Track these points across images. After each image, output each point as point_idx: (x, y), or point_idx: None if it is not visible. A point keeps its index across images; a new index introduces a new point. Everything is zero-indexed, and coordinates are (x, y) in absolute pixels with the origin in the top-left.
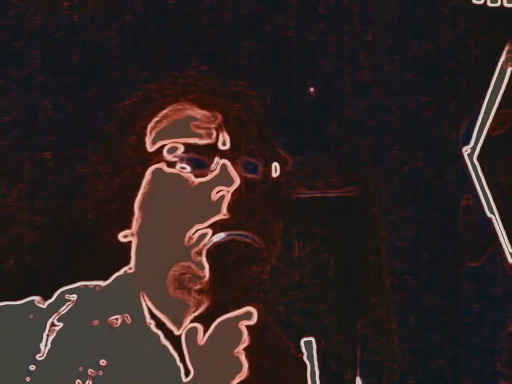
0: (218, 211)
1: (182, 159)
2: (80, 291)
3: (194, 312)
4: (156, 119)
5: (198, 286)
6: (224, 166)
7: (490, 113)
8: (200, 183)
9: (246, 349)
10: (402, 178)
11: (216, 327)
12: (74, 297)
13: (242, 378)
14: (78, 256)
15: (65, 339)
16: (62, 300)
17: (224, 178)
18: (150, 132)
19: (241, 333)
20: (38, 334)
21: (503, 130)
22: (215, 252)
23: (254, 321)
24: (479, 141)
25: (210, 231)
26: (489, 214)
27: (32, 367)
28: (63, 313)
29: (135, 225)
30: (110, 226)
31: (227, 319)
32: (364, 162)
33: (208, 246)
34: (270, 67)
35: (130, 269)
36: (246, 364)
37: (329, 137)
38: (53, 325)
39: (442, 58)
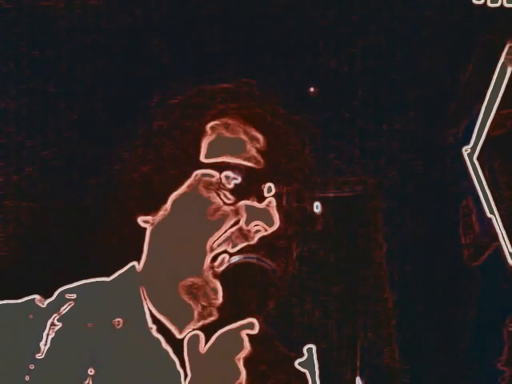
0: (250, 240)
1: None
2: (81, 290)
3: (197, 321)
4: (218, 122)
5: (205, 303)
6: (269, 204)
7: (489, 113)
8: (240, 209)
9: (245, 356)
10: (402, 178)
11: (218, 337)
12: (74, 296)
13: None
14: (81, 251)
15: (65, 339)
16: (62, 299)
17: (266, 217)
18: (210, 132)
19: (242, 341)
20: (37, 333)
21: (503, 130)
22: (229, 273)
23: (255, 331)
24: (479, 141)
25: (227, 255)
26: (489, 214)
27: (31, 366)
28: (64, 313)
29: (160, 215)
30: (135, 210)
31: (229, 329)
32: (364, 162)
33: (223, 268)
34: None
35: (136, 265)
36: (243, 371)
37: (329, 137)
38: (53, 324)
39: (442, 57)
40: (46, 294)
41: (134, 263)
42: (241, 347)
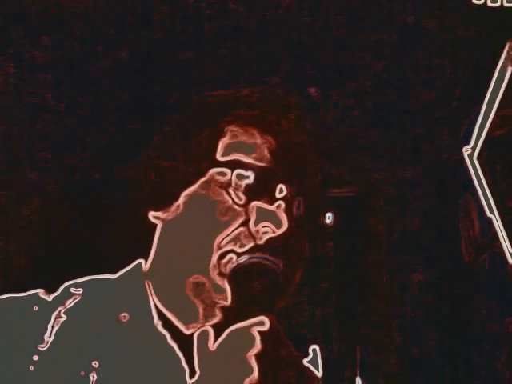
0: (258, 241)
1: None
2: (86, 286)
3: (202, 321)
4: (237, 126)
5: (208, 302)
6: (279, 206)
7: (489, 113)
8: (251, 210)
9: (257, 354)
10: (402, 178)
11: (228, 334)
12: (79, 291)
13: (253, 381)
14: (86, 248)
15: (70, 331)
16: (67, 293)
17: (275, 218)
18: (228, 134)
19: (253, 338)
20: (42, 326)
21: (503, 130)
22: (236, 273)
23: (266, 327)
24: (479, 141)
25: (234, 255)
26: (489, 214)
27: (35, 357)
28: (69, 306)
29: (171, 211)
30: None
31: (240, 327)
32: (364, 162)
33: (231, 268)
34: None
35: (141, 263)
36: (256, 368)
37: (329, 137)
38: (58, 317)
39: (442, 57)
40: (52, 291)
41: (141, 261)
42: (252, 344)
